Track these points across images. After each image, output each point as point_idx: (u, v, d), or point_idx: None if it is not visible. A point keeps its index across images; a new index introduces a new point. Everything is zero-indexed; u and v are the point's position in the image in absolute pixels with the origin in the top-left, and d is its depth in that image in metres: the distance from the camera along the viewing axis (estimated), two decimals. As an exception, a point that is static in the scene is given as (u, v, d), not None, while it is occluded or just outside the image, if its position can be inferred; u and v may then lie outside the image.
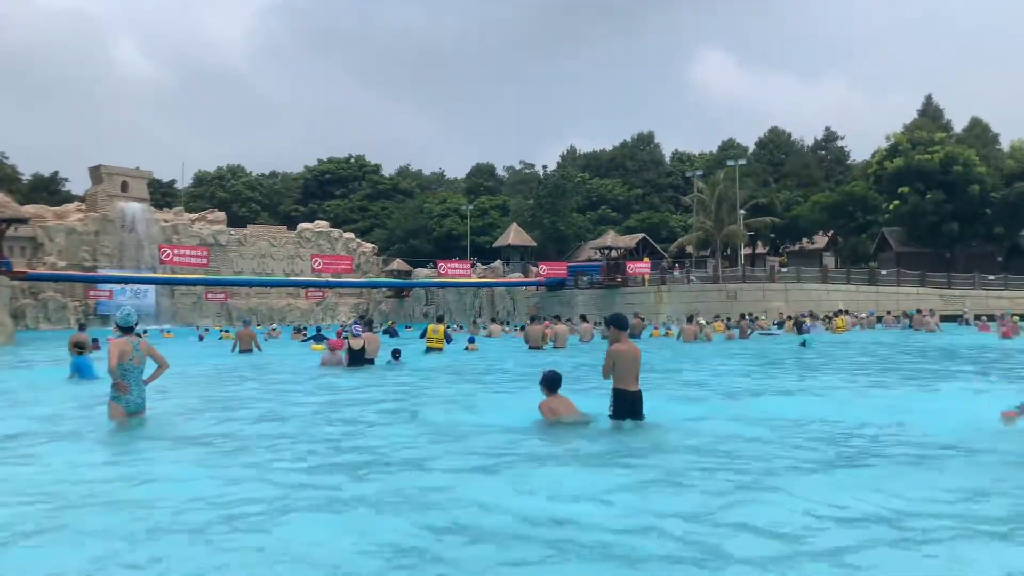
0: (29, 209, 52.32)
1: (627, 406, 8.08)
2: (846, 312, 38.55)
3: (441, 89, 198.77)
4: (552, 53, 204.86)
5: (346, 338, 16.49)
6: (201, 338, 34.06)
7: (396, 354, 17.26)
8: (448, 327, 25.43)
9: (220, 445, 7.68)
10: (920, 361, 18.09)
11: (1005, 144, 63.44)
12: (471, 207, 73.30)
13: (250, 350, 22.58)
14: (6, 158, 76.54)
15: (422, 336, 23.42)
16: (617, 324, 8.25)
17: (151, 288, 55.50)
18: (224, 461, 6.81)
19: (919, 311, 36.81)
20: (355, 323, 20.04)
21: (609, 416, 8.13)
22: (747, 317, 33.78)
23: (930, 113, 70.99)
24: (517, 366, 17.50)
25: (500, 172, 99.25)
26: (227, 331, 36.26)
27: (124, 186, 58.55)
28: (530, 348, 22.88)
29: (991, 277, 49.93)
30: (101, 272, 53.24)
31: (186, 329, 48.75)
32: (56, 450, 7.48)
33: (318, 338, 27.52)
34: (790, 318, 35.58)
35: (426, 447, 7.35)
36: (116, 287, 52.64)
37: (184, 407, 10.59)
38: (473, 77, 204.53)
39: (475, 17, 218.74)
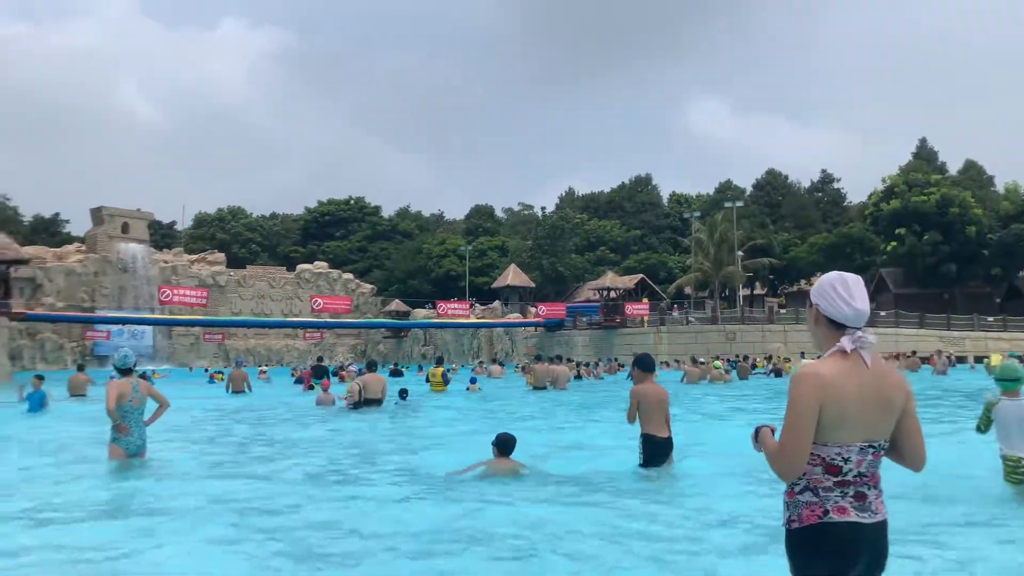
0: (29, 250, 52.38)
1: (657, 452, 7.75)
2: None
3: (440, 131, 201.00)
4: (550, 96, 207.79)
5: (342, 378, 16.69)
6: (212, 378, 33.31)
7: (403, 394, 17.29)
8: (447, 369, 25.70)
9: (224, 489, 7.59)
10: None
11: (1000, 186, 64.14)
12: (470, 248, 73.51)
13: (242, 391, 23.09)
14: (8, 200, 77.00)
15: (427, 380, 23.94)
16: (642, 365, 7.97)
17: (149, 329, 55.30)
18: (224, 506, 6.72)
19: (914, 352, 36.89)
20: (352, 364, 20.44)
21: (639, 465, 7.82)
22: (747, 359, 33.71)
23: (924, 155, 71.86)
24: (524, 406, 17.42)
25: (499, 213, 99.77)
26: (219, 372, 35.88)
27: (125, 227, 58.69)
28: (535, 388, 22.93)
29: (990, 318, 49.94)
30: (99, 313, 53.08)
31: (180, 369, 48.45)
32: (61, 491, 7.38)
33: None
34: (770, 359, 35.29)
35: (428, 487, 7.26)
36: (114, 328, 52.46)
37: (185, 448, 10.48)
38: (472, 119, 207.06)
39: (474, 60, 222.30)
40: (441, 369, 24.06)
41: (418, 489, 7.35)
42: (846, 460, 2.60)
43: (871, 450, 2.63)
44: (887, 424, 2.66)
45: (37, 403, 16.13)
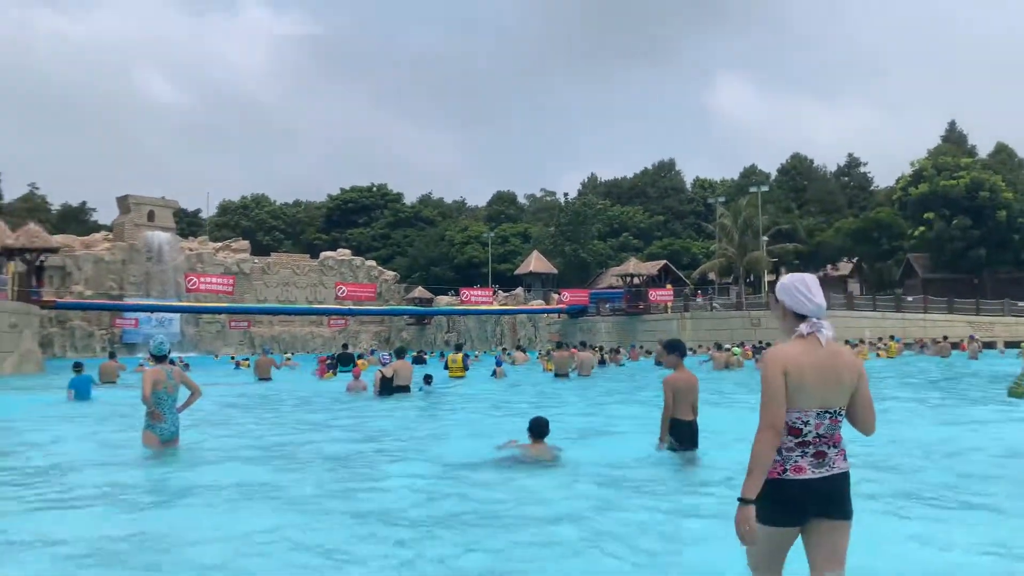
0: (58, 239, 53.11)
1: (683, 436, 7.86)
2: (890, 338, 37.80)
3: (462, 117, 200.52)
4: (572, 81, 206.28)
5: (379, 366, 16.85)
6: (238, 365, 33.91)
7: (428, 379, 17.39)
8: (467, 355, 25.77)
9: (258, 475, 7.66)
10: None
11: (1031, 169, 62.88)
12: (492, 235, 73.51)
13: (268, 378, 23.27)
14: (37, 188, 78.15)
15: (446, 367, 23.89)
16: (676, 351, 8.01)
17: (176, 316, 55.99)
18: (260, 490, 6.77)
19: (945, 338, 36.55)
20: (380, 351, 20.54)
21: (667, 448, 7.92)
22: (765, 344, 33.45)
23: (954, 138, 70.64)
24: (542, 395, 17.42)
25: (521, 200, 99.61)
26: (245, 359, 36.42)
27: (151, 216, 59.32)
28: (556, 375, 22.76)
29: (1020, 304, 49.10)
30: (128, 301, 53.79)
31: (205, 357, 48.99)
32: (93, 476, 7.49)
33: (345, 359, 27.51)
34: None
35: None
36: (142, 315, 53.16)
37: (216, 435, 10.60)
38: (494, 105, 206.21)
39: (496, 45, 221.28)
40: (460, 355, 24.15)
41: (451, 474, 7.37)
42: (805, 423, 3.10)
43: (827, 415, 3.13)
44: (840, 394, 3.17)
45: (84, 389, 16.29)
